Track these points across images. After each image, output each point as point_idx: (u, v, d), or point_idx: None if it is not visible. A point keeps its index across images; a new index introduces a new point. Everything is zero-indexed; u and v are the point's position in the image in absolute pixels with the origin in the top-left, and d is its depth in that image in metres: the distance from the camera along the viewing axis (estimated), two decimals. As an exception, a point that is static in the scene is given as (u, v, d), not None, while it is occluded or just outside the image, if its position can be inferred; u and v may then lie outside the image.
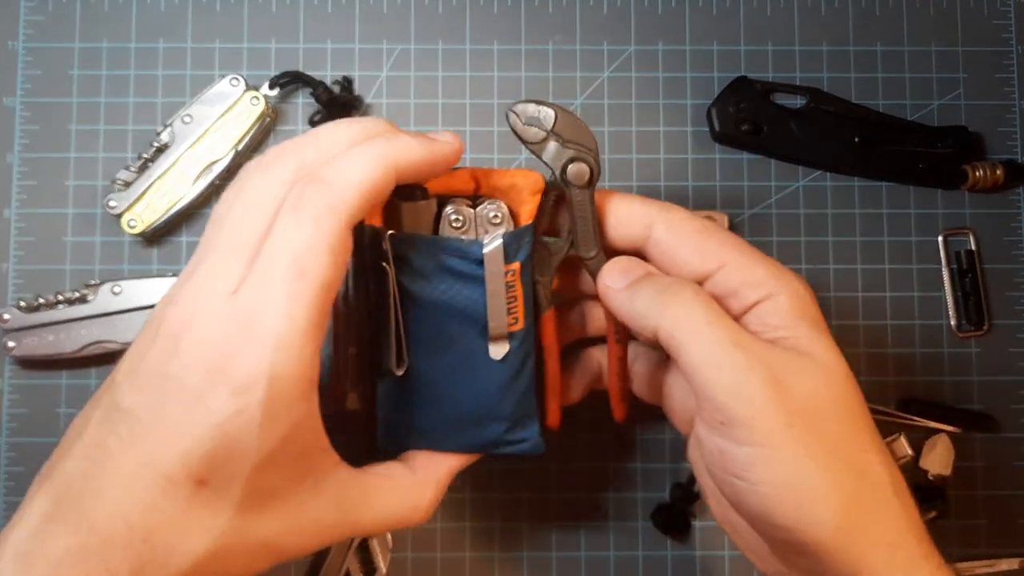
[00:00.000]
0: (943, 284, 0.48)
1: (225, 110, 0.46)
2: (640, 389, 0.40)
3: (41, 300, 0.44)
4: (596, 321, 0.39)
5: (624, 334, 0.37)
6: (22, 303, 0.44)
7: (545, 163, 0.34)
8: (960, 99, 0.49)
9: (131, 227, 0.45)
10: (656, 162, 0.48)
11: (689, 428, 0.38)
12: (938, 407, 0.47)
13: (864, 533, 0.29)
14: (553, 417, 0.38)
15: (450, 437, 0.35)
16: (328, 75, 0.47)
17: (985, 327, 0.48)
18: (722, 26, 0.49)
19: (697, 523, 0.46)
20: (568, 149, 0.34)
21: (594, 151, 0.34)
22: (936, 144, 0.48)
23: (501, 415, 0.35)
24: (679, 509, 0.46)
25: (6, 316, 0.44)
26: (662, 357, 0.39)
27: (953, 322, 0.48)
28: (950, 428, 0.46)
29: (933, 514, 0.46)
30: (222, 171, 0.45)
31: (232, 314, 0.27)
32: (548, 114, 0.34)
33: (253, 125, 0.46)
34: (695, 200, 0.47)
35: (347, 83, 0.47)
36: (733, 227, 0.47)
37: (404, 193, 0.33)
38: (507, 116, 0.34)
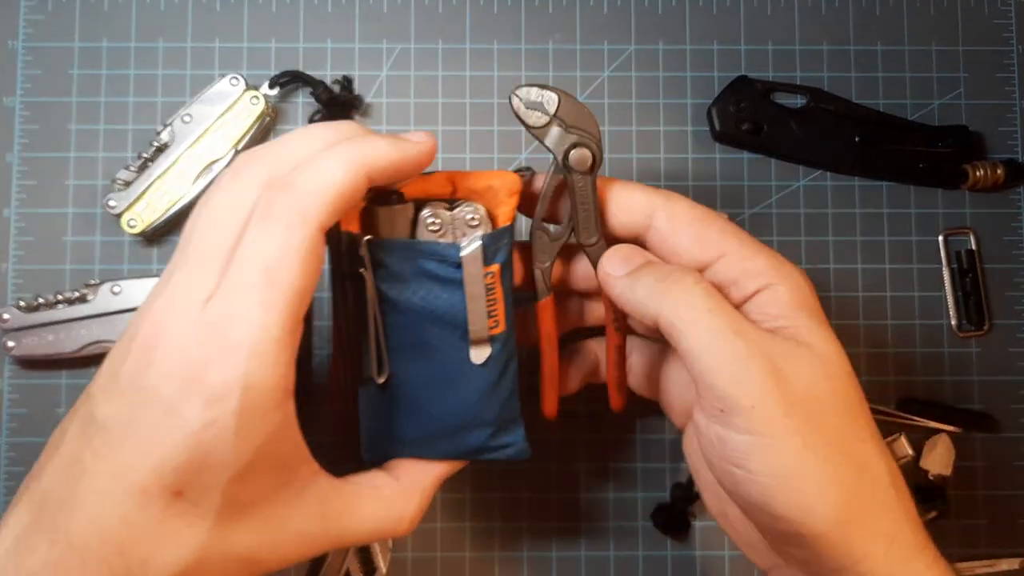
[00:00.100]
0: (943, 284, 0.48)
1: (225, 109, 0.45)
2: (636, 382, 0.40)
3: (41, 300, 0.44)
4: (595, 311, 0.39)
5: (623, 323, 0.37)
6: (22, 303, 0.44)
7: (547, 148, 0.34)
8: (960, 98, 0.49)
9: (131, 227, 0.45)
10: (656, 162, 0.48)
11: (685, 421, 0.38)
12: (938, 407, 0.47)
13: (862, 524, 0.29)
14: (550, 407, 0.38)
15: (434, 444, 0.35)
16: (328, 75, 0.47)
17: (985, 327, 0.48)
18: (722, 26, 0.49)
19: (697, 523, 0.46)
20: (571, 134, 0.34)
21: (597, 137, 0.34)
22: (936, 144, 0.48)
23: (485, 420, 0.34)
24: (679, 509, 0.46)
25: (6, 316, 0.44)
26: (659, 349, 0.39)
27: (953, 322, 0.48)
28: (950, 428, 0.46)
29: (933, 514, 0.46)
30: (222, 171, 0.45)
31: (205, 323, 0.27)
32: (551, 98, 0.33)
33: (253, 125, 0.46)
34: (695, 200, 0.47)
35: (347, 83, 0.47)
36: (733, 227, 0.47)
37: (380, 198, 0.32)
38: (509, 99, 0.33)
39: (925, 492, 0.46)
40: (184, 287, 0.28)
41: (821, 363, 0.31)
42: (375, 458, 0.35)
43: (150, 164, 0.45)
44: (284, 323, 0.27)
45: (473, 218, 0.33)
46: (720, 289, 0.32)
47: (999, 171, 0.47)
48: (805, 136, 0.48)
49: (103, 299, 0.44)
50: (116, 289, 0.44)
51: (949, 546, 0.46)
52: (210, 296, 0.28)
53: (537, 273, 0.35)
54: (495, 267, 0.33)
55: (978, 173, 0.47)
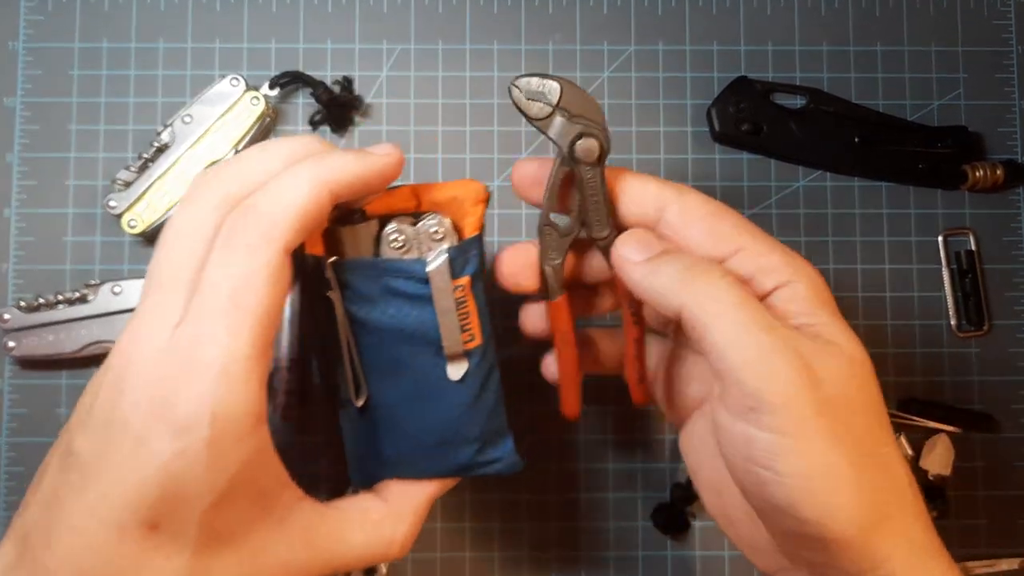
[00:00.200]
0: (943, 284, 0.48)
1: (225, 110, 0.46)
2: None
3: (41, 300, 0.44)
4: (606, 304, 0.38)
5: (641, 315, 0.36)
6: (22, 303, 0.44)
7: (551, 139, 0.32)
8: (960, 99, 0.49)
9: (131, 227, 0.45)
10: (656, 162, 0.48)
11: (684, 418, 0.37)
12: (938, 407, 0.47)
13: (886, 528, 0.29)
14: (571, 408, 0.37)
15: (419, 465, 0.34)
16: (328, 75, 0.47)
17: (985, 327, 0.48)
18: (722, 26, 0.49)
19: (697, 523, 0.46)
20: (575, 124, 0.32)
21: (602, 125, 0.32)
22: (936, 144, 0.48)
23: (469, 437, 0.33)
24: (679, 509, 0.46)
25: (6, 316, 0.44)
26: (657, 343, 0.38)
27: (953, 322, 0.48)
28: (950, 428, 0.46)
29: (933, 514, 0.46)
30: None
31: (171, 351, 0.27)
32: (553, 87, 0.32)
33: (253, 125, 0.46)
34: (695, 200, 0.47)
35: (347, 83, 0.47)
36: (733, 227, 0.47)
37: (342, 217, 0.32)
38: (509, 91, 0.32)
39: (925, 492, 0.46)
40: (151, 315, 0.28)
41: (849, 362, 0.30)
42: (363, 481, 0.35)
43: (150, 165, 0.45)
44: (251, 347, 0.27)
45: (437, 231, 0.32)
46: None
47: (999, 172, 0.47)
48: (805, 137, 0.48)
49: (103, 299, 0.44)
50: (116, 289, 0.44)
51: (949, 546, 0.46)
52: (178, 323, 0.27)
53: (548, 271, 0.34)
54: (464, 280, 0.32)
55: (978, 174, 0.47)
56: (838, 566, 0.29)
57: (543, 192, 0.34)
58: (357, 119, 0.48)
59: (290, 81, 0.47)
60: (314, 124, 0.47)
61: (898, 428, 0.46)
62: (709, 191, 0.48)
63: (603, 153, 0.32)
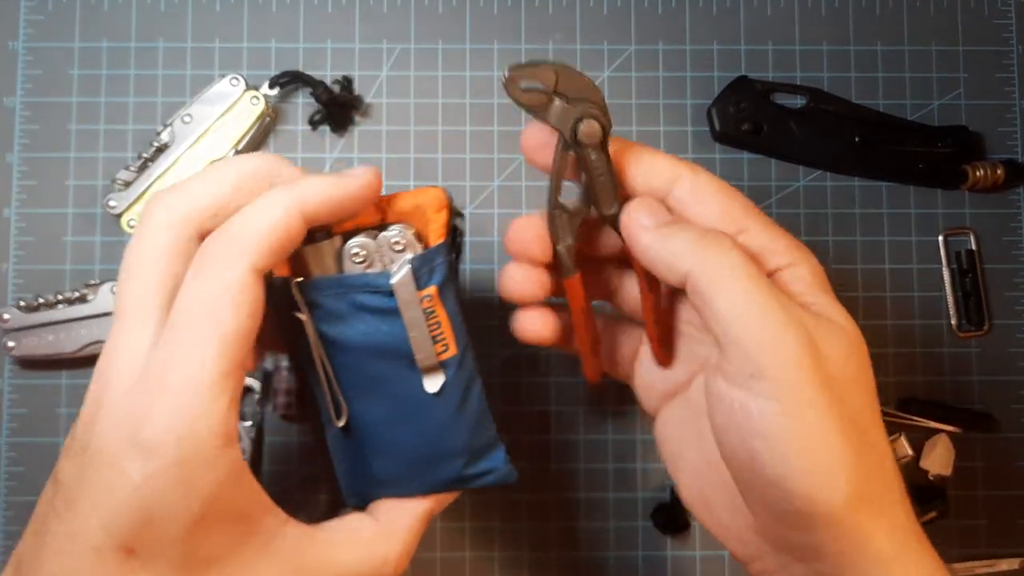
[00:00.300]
0: (943, 284, 0.48)
1: (225, 110, 0.46)
2: (607, 360, 0.39)
3: (41, 300, 0.44)
4: (616, 278, 0.38)
5: (655, 281, 0.35)
6: (22, 303, 0.44)
7: (552, 127, 0.32)
8: (960, 99, 0.49)
9: (131, 227, 0.45)
10: (656, 162, 0.48)
11: (658, 405, 0.37)
12: (938, 407, 0.47)
13: (872, 507, 0.29)
14: (593, 372, 0.36)
15: (408, 482, 0.33)
16: (328, 75, 0.47)
17: (985, 327, 0.48)
18: (722, 26, 0.49)
19: (697, 523, 0.46)
20: (574, 107, 0.32)
21: (602, 105, 0.32)
22: (936, 144, 0.48)
23: (455, 450, 0.33)
24: (679, 509, 0.46)
25: (6, 316, 0.44)
26: (634, 326, 0.38)
27: (953, 322, 0.48)
28: (950, 428, 0.46)
29: (933, 514, 0.46)
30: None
31: (144, 375, 0.27)
32: (547, 73, 0.31)
33: (253, 125, 0.46)
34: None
35: (347, 83, 0.47)
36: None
37: (307, 236, 0.31)
38: (504, 83, 0.31)
39: (925, 492, 0.46)
40: (121, 338, 0.28)
41: (849, 342, 0.31)
42: (356, 501, 0.34)
43: (150, 164, 0.45)
44: (221, 369, 0.27)
45: (398, 242, 0.32)
46: None
47: (999, 171, 0.47)
48: (805, 136, 0.48)
49: (103, 299, 0.44)
50: (116, 289, 0.44)
51: (949, 546, 0.46)
52: (151, 346, 0.27)
53: (561, 251, 0.34)
54: (431, 289, 0.31)
55: (978, 173, 0.47)
56: (820, 547, 0.29)
57: (551, 157, 0.33)
58: (357, 119, 0.48)
59: (290, 81, 0.47)
60: (314, 124, 0.47)
61: (898, 428, 0.46)
62: (709, 191, 0.48)
63: (605, 133, 0.32)
